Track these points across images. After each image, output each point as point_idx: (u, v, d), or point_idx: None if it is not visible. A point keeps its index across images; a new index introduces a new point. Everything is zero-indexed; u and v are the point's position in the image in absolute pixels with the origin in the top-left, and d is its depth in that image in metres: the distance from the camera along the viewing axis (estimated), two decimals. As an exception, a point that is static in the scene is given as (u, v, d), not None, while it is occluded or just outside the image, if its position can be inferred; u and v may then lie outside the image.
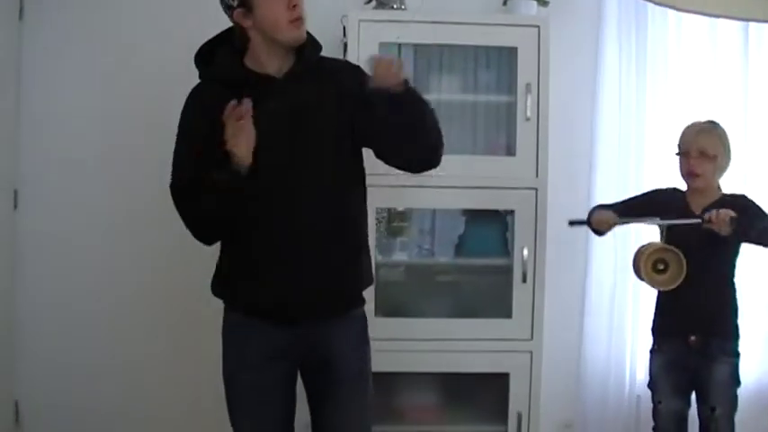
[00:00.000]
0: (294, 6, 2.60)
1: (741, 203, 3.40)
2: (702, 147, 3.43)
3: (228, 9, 2.63)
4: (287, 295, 2.64)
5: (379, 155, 2.74)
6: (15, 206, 4.07)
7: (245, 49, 2.68)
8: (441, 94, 3.89)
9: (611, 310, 4.18)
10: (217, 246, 2.76)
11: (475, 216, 3.90)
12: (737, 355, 3.47)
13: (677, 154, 3.52)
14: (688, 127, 3.55)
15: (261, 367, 2.71)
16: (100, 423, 4.08)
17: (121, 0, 4.08)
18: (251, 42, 2.66)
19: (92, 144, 4.07)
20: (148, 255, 4.07)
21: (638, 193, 3.76)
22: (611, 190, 4.08)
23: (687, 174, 3.49)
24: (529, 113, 3.66)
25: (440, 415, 3.88)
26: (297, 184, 2.59)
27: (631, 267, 3.54)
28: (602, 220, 3.55)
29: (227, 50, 2.68)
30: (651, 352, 3.62)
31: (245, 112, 2.49)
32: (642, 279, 3.46)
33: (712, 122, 3.54)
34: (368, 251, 2.86)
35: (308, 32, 2.71)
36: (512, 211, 3.72)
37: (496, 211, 3.85)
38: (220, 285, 2.77)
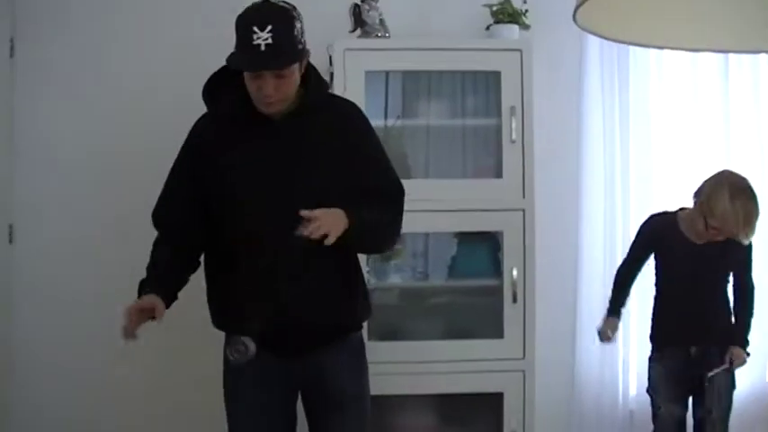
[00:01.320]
0: (259, 89, 2.58)
1: (740, 247, 3.51)
2: (737, 236, 3.43)
3: None
4: (282, 331, 2.64)
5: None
6: (11, 241, 4.09)
7: None
8: (429, 119, 3.96)
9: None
10: None
11: (467, 237, 3.94)
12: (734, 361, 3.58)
13: (706, 219, 3.44)
14: (732, 206, 3.37)
15: (261, 388, 2.74)
16: None
17: (112, 27, 4.11)
18: None
19: (87, 176, 4.08)
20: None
21: (633, 233, 3.82)
22: (599, 208, 4.15)
23: (706, 237, 3.50)
24: (514, 136, 3.70)
25: (436, 436, 3.91)
26: (288, 221, 2.56)
27: None
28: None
29: (234, 87, 2.67)
30: (651, 359, 3.71)
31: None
32: None
33: (755, 202, 3.41)
34: (364, 285, 2.89)
35: (313, 69, 2.74)
36: (500, 232, 3.77)
37: (488, 233, 3.89)
38: (217, 319, 2.81)
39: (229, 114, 2.70)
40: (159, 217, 2.80)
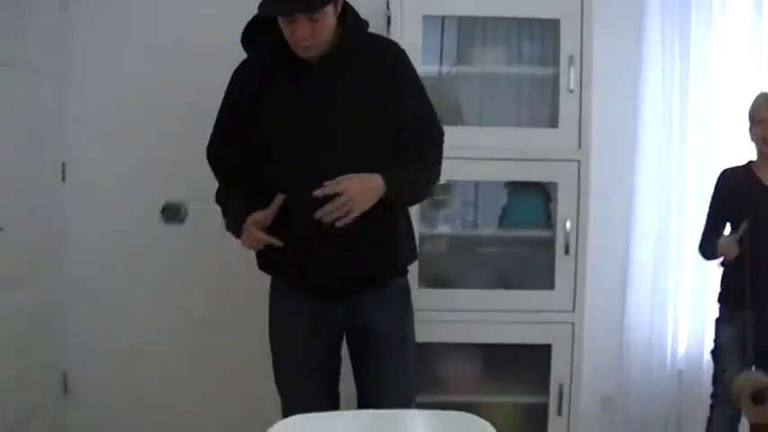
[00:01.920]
0: (293, 33, 2.57)
1: None
2: None
3: None
4: (328, 276, 2.69)
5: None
6: (63, 179, 4.13)
7: None
8: (484, 66, 3.89)
9: (653, 284, 4.16)
10: None
11: (518, 188, 3.90)
12: None
13: (750, 123, 3.53)
14: (760, 96, 3.54)
15: (305, 333, 2.76)
16: (146, 397, 4.17)
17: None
18: None
19: (137, 118, 4.10)
20: (196, 234, 4.10)
21: (710, 192, 3.69)
22: (655, 161, 4.07)
23: (761, 140, 3.50)
24: (572, 85, 3.64)
25: (482, 386, 3.89)
26: (331, 166, 2.57)
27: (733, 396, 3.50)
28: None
29: (272, 32, 2.67)
30: (719, 321, 3.63)
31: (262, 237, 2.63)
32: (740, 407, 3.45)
33: None
34: (410, 228, 2.87)
35: (352, 11, 2.71)
36: (555, 184, 3.72)
37: (539, 183, 3.84)
38: (264, 262, 2.83)
39: (268, 59, 2.69)
40: (212, 147, 2.87)
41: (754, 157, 3.62)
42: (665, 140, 4.12)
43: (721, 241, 3.52)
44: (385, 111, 2.67)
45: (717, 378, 3.58)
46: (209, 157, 2.87)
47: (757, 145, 3.54)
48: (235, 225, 2.72)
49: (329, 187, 2.49)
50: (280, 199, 2.62)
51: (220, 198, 2.86)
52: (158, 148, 4.08)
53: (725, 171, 3.67)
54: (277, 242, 2.63)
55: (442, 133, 2.80)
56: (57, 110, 4.04)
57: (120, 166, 4.12)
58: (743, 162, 3.66)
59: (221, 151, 2.83)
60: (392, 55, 2.76)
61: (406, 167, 2.66)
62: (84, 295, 4.13)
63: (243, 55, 2.78)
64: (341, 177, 2.51)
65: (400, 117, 2.69)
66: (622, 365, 4.27)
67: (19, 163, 3.71)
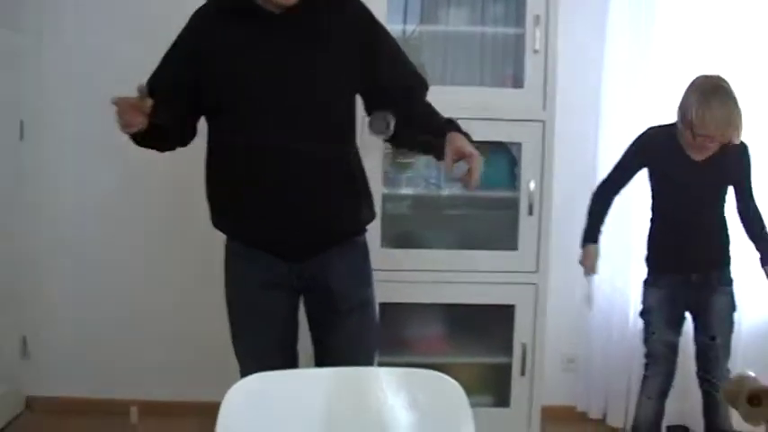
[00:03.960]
0: None
1: (739, 157, 3.44)
2: (728, 138, 3.31)
3: None
4: (283, 232, 2.63)
5: (367, 106, 2.71)
6: (21, 137, 4.07)
7: None
8: (449, 25, 3.87)
9: (615, 244, 4.18)
10: None
11: (482, 149, 3.87)
12: (733, 282, 3.53)
13: (685, 126, 3.34)
14: (708, 110, 3.25)
15: (261, 292, 2.71)
16: (105, 358, 4.16)
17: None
18: None
19: (98, 77, 4.01)
20: (158, 189, 4.08)
21: (630, 143, 3.61)
22: (619, 122, 4.07)
23: (697, 150, 3.38)
24: (537, 46, 3.63)
25: (446, 346, 3.91)
26: (291, 121, 2.54)
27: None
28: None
29: None
30: (647, 284, 3.64)
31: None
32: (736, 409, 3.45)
33: (732, 100, 3.28)
34: (367, 186, 2.82)
35: None
36: (519, 144, 3.71)
37: (504, 144, 3.83)
38: (219, 220, 2.76)
39: (229, 6, 2.62)
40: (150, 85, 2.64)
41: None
42: (630, 101, 4.12)
43: (588, 251, 3.62)
44: (350, 61, 2.63)
45: (646, 340, 3.60)
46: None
47: (688, 145, 3.40)
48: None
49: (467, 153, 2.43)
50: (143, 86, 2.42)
51: None
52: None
53: (651, 130, 3.59)
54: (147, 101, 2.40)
55: (424, 85, 2.79)
56: (13, 68, 3.97)
57: (77, 125, 4.07)
58: (667, 122, 3.53)
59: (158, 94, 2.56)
60: (357, 10, 2.71)
61: (429, 110, 2.69)
62: (43, 256, 4.08)
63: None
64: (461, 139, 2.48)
65: (380, 78, 2.66)
66: (585, 325, 4.30)
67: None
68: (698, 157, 3.40)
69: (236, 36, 2.59)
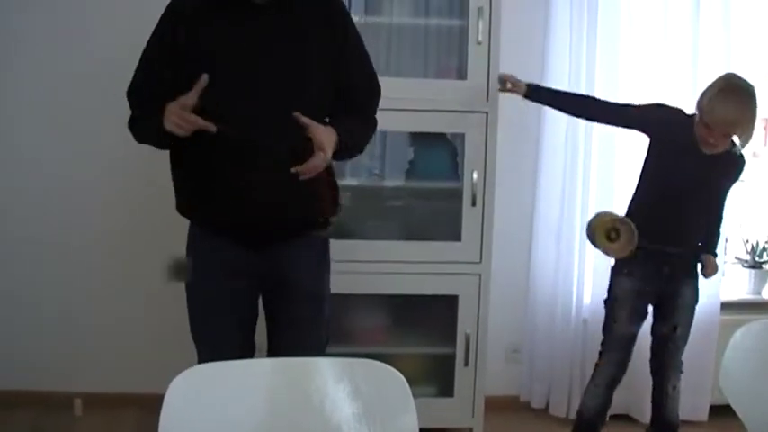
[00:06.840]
0: None
1: (734, 168, 3.45)
2: (729, 137, 3.30)
3: None
4: (244, 219, 2.65)
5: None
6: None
7: None
8: (392, 17, 3.88)
9: (559, 235, 4.22)
10: None
11: (425, 140, 3.90)
12: (698, 276, 3.54)
13: (700, 117, 3.29)
14: (722, 103, 3.22)
15: (221, 280, 2.73)
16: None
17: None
18: None
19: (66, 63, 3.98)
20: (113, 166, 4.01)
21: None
22: (561, 113, 4.10)
23: (703, 141, 3.32)
24: (480, 37, 3.65)
25: (390, 336, 3.92)
26: (259, 110, 2.57)
27: (585, 234, 3.61)
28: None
29: None
30: (614, 273, 3.56)
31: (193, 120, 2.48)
32: (597, 247, 3.50)
33: (749, 108, 3.26)
34: (333, 181, 2.83)
35: None
36: (462, 135, 3.72)
37: (447, 135, 3.84)
38: (182, 204, 2.77)
39: None
40: (135, 86, 2.73)
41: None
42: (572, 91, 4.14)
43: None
44: (325, 57, 2.66)
45: (606, 328, 3.61)
46: (130, 96, 2.73)
47: (703, 138, 3.33)
48: (155, 122, 2.55)
49: (314, 134, 2.51)
50: (204, 79, 2.47)
51: (133, 121, 2.73)
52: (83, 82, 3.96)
53: (666, 107, 3.53)
54: (211, 126, 2.49)
55: (380, 94, 2.87)
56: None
57: (41, 111, 4.01)
58: (685, 111, 3.48)
59: (146, 92, 2.68)
60: (334, 6, 2.76)
61: (353, 125, 2.72)
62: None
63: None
64: (313, 124, 2.52)
65: (349, 77, 2.73)
66: (528, 316, 4.34)
67: None
68: (705, 149, 3.35)
69: (216, 22, 2.60)
